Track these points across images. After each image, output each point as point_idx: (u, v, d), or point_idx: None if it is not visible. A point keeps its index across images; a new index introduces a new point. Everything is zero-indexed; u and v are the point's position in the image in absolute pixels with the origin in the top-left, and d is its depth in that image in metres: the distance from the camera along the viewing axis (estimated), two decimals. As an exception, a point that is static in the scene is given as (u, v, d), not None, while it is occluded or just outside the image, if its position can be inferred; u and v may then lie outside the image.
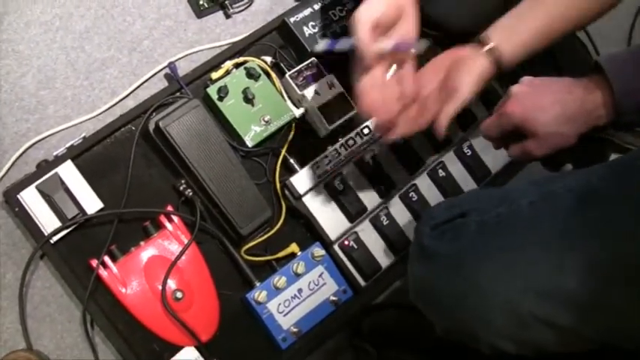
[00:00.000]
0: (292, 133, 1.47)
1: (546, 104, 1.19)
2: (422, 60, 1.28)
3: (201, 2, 1.56)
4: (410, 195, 1.51)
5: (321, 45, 1.23)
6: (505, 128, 1.25)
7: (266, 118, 1.42)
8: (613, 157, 1.22)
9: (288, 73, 1.46)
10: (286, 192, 1.43)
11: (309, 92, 1.45)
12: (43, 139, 1.39)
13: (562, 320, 0.99)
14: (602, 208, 1.00)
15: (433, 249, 1.13)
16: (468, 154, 1.59)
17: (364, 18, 1.13)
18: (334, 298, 1.44)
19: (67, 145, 1.33)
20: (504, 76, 1.29)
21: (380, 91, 1.19)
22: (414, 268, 1.19)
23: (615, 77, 1.14)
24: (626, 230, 0.96)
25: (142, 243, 1.34)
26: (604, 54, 1.18)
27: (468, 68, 1.24)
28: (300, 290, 1.41)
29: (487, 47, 1.24)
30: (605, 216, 0.99)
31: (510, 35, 1.26)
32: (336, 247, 1.45)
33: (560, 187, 1.07)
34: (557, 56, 1.63)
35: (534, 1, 1.28)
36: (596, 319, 0.99)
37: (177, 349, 1.34)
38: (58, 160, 1.31)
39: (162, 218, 1.36)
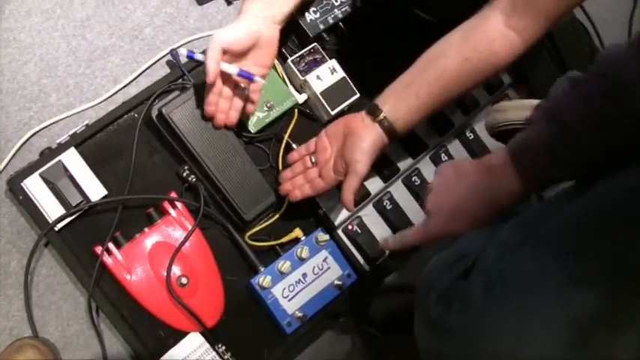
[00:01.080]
0: (295, 118, 1.47)
1: (456, 218, 1.18)
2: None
3: (202, -11, 1.56)
4: (413, 179, 1.51)
5: (182, 51, 1.31)
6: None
7: (268, 104, 1.43)
8: None
9: (290, 59, 1.46)
10: (289, 177, 1.42)
11: (312, 77, 1.45)
12: (45, 127, 1.39)
13: None
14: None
15: (442, 323, 1.08)
16: (471, 137, 1.60)
17: (217, 39, 1.25)
18: (339, 283, 1.44)
19: (70, 132, 1.34)
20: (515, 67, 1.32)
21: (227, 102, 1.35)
22: (425, 342, 1.15)
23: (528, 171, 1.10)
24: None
25: (146, 229, 1.34)
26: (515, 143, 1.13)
27: (362, 142, 1.29)
28: (304, 275, 1.41)
29: (378, 118, 1.29)
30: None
31: (400, 103, 1.29)
32: (339, 231, 1.45)
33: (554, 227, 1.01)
34: (559, 46, 1.63)
35: (424, 66, 1.29)
36: None
37: (182, 335, 1.34)
38: (62, 147, 1.32)
39: (166, 204, 1.36)
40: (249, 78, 1.29)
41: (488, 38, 1.23)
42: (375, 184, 1.47)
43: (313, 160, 1.36)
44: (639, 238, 0.89)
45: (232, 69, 1.28)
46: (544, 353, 0.95)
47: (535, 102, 1.22)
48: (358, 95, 1.48)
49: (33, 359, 1.26)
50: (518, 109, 1.25)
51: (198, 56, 1.29)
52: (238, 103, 1.36)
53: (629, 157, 0.94)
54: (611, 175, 0.95)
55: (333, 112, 1.45)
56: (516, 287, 0.99)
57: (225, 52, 1.26)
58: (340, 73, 1.48)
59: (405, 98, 1.28)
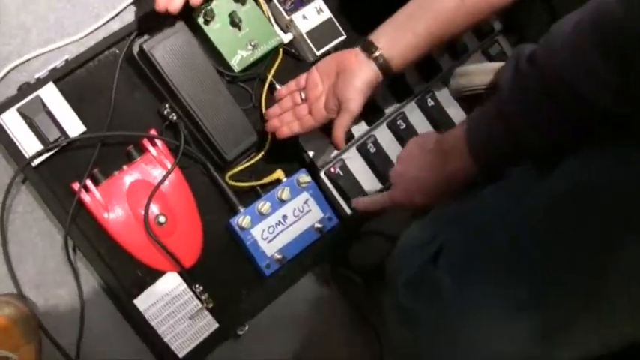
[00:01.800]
0: (280, 58, 1.44)
1: (415, 189, 1.20)
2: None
3: None
4: (398, 123, 1.49)
5: None
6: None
7: (253, 43, 1.40)
8: None
9: (275, -4, 1.43)
10: (272, 118, 1.40)
11: (297, 17, 1.42)
12: (25, 62, 1.36)
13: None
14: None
15: (412, 310, 1.06)
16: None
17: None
18: (319, 226, 1.43)
19: (50, 67, 1.31)
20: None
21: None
22: (396, 332, 1.14)
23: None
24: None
25: (124, 167, 1.32)
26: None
27: (356, 79, 1.27)
28: (284, 217, 1.40)
29: (374, 55, 1.27)
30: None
31: (397, 40, 1.27)
32: (322, 174, 1.43)
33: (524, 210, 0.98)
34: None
35: (421, 3, 1.27)
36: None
37: (159, 274, 1.33)
38: (40, 82, 1.29)
39: (146, 142, 1.34)
40: None
41: None
42: (359, 127, 1.45)
43: (303, 96, 1.34)
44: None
45: None
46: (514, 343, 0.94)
47: (499, 65, 1.17)
48: (344, 37, 1.45)
49: (8, 314, 1.26)
50: (482, 73, 1.20)
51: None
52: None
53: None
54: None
55: (318, 53, 1.43)
56: (487, 275, 0.97)
57: None
58: (327, 14, 1.45)
59: (401, 36, 1.27)
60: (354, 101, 1.26)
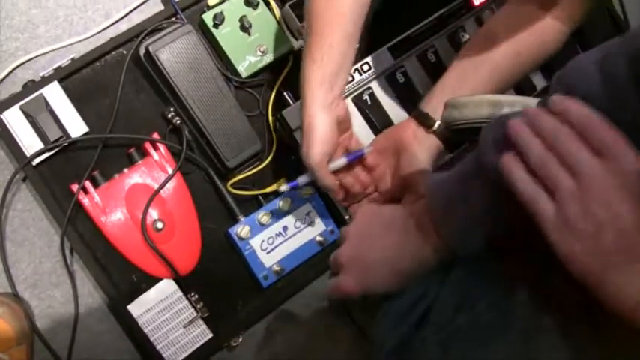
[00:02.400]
0: (289, 65, 1.42)
1: (374, 276, 1.04)
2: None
3: None
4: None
5: (283, 188, 1.27)
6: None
7: (262, 49, 1.37)
8: None
9: (288, 3, 1.40)
10: (278, 125, 1.37)
11: (309, 24, 1.39)
12: (32, 59, 1.36)
13: None
14: None
15: None
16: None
17: (314, 161, 1.17)
18: (320, 239, 1.39)
19: (55, 66, 1.30)
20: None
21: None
22: None
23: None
24: None
25: (125, 170, 1.30)
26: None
27: (420, 162, 1.25)
28: (285, 228, 1.37)
29: (433, 128, 1.25)
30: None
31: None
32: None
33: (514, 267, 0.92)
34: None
35: (472, 63, 1.25)
36: None
37: (155, 280, 1.31)
38: (44, 80, 1.28)
39: (148, 146, 1.32)
40: (360, 156, 1.26)
41: (536, 33, 1.21)
42: (368, 139, 1.40)
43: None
44: None
45: (341, 162, 1.24)
46: None
47: (495, 98, 1.10)
48: (357, 46, 1.41)
49: (2, 314, 1.24)
50: (476, 105, 1.12)
51: (304, 179, 1.25)
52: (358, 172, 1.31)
53: None
54: None
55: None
56: (475, 346, 0.91)
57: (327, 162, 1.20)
58: (339, 21, 1.41)
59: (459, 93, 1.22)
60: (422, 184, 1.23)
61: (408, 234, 1.01)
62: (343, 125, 1.23)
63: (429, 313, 0.96)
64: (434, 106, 1.26)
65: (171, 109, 1.32)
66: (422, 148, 1.27)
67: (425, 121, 1.26)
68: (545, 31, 1.21)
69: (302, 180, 1.24)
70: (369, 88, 1.41)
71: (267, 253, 1.35)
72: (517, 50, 1.23)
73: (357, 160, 1.26)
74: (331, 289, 1.08)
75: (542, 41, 1.22)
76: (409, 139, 1.28)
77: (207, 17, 1.35)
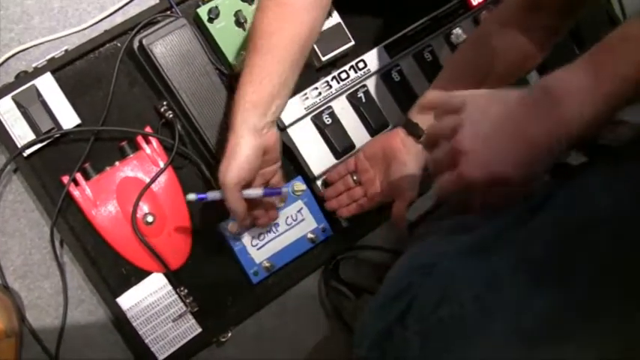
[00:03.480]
0: (283, 60, 1.40)
1: (506, 149, 0.87)
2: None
3: None
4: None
5: (191, 197, 1.21)
6: (472, 191, 0.93)
7: (257, 44, 1.36)
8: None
9: (284, -2, 1.39)
10: (271, 122, 1.36)
11: (305, 20, 1.38)
12: (25, 49, 1.35)
13: None
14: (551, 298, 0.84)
15: None
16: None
17: (231, 182, 1.14)
18: (312, 236, 1.39)
19: (48, 57, 1.29)
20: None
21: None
22: None
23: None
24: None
25: (117, 163, 1.30)
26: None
27: (409, 169, 1.26)
28: (276, 224, 1.37)
29: (421, 140, 1.24)
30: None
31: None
32: (319, 182, 1.40)
33: (501, 264, 0.88)
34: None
35: (460, 74, 1.26)
36: None
37: (145, 274, 1.31)
38: (37, 71, 1.27)
39: (140, 139, 1.31)
40: (277, 193, 1.26)
41: (519, 53, 1.20)
42: (360, 137, 1.40)
43: (355, 178, 1.36)
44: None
45: (256, 192, 1.21)
46: None
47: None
48: (353, 43, 1.41)
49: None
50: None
51: (213, 195, 1.21)
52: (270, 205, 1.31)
53: None
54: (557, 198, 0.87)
55: (324, 58, 1.39)
56: (456, 337, 0.90)
57: (240, 186, 1.17)
58: (336, 18, 1.40)
59: None
60: (411, 191, 1.27)
61: (546, 102, 0.86)
62: (270, 155, 1.21)
63: (413, 304, 0.94)
64: (420, 116, 1.26)
65: (164, 102, 1.32)
66: (411, 156, 1.27)
67: (413, 131, 1.26)
68: (530, 52, 1.19)
69: (211, 195, 1.21)
70: (364, 85, 1.40)
71: (258, 249, 1.35)
72: (500, 73, 1.22)
73: (272, 195, 1.25)
74: (447, 182, 0.91)
75: (525, 59, 1.22)
76: (398, 147, 1.28)
77: (202, 11, 1.34)
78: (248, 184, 1.19)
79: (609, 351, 0.82)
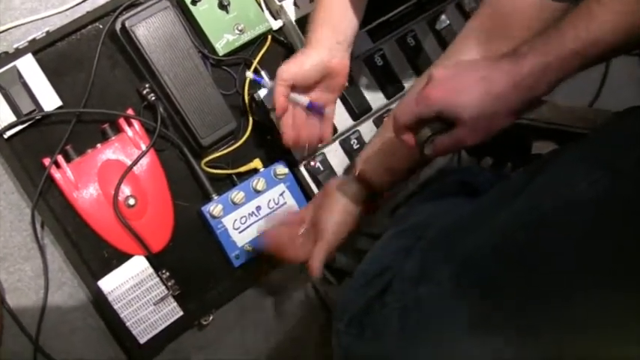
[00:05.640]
0: (267, 44, 1.41)
1: (469, 84, 0.93)
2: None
3: None
4: (384, 117, 1.44)
5: (249, 74, 1.34)
6: (424, 116, 0.97)
7: (240, 27, 1.36)
8: (536, 144, 1.04)
9: (268, -18, 1.39)
10: (254, 105, 1.36)
11: (288, 4, 1.38)
12: (6, 30, 1.33)
13: None
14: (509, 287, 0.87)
15: (356, 352, 1.00)
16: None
17: (285, 74, 1.21)
18: (294, 220, 1.39)
19: (29, 38, 1.28)
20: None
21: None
22: None
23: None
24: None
25: (98, 145, 1.29)
26: None
27: (332, 203, 1.24)
28: (258, 208, 1.36)
29: (353, 174, 1.24)
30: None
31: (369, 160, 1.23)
32: (301, 166, 1.40)
33: (477, 244, 0.91)
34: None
35: None
36: None
37: (127, 257, 1.30)
38: (18, 52, 1.26)
39: (122, 122, 1.31)
40: (319, 111, 1.28)
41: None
42: (343, 122, 1.41)
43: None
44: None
45: (302, 99, 1.26)
46: None
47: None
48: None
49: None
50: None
51: (266, 83, 1.33)
52: (311, 131, 1.32)
53: None
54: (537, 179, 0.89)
55: (307, 42, 1.38)
56: (433, 317, 0.92)
57: (293, 86, 1.23)
58: (319, 2, 1.40)
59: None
60: (329, 229, 1.23)
61: (512, 56, 0.92)
62: (333, 81, 1.26)
63: (393, 282, 0.96)
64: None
65: (147, 85, 1.31)
66: (338, 195, 1.25)
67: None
68: None
69: (266, 82, 1.34)
70: (347, 70, 1.40)
71: (240, 232, 1.35)
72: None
73: (314, 110, 1.28)
74: (410, 101, 0.98)
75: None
76: (331, 188, 1.27)
77: (186, -7, 1.33)
78: (296, 88, 1.25)
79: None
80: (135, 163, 1.28)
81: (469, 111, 0.92)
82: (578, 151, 0.90)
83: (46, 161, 1.25)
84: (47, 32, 1.29)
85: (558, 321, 0.83)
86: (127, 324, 1.29)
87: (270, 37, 1.41)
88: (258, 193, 1.36)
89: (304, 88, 1.26)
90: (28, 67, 1.26)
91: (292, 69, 1.21)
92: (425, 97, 0.95)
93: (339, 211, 1.23)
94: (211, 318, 1.37)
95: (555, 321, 0.83)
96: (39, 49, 1.28)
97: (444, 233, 0.97)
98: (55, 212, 1.27)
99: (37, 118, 1.26)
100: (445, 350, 0.91)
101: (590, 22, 0.86)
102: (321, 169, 1.39)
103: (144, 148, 1.30)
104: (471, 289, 0.89)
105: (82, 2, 1.38)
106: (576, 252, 0.81)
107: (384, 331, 0.95)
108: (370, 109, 1.42)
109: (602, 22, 0.85)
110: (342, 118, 1.40)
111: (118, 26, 1.28)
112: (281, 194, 1.38)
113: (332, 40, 1.23)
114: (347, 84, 1.30)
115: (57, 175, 1.25)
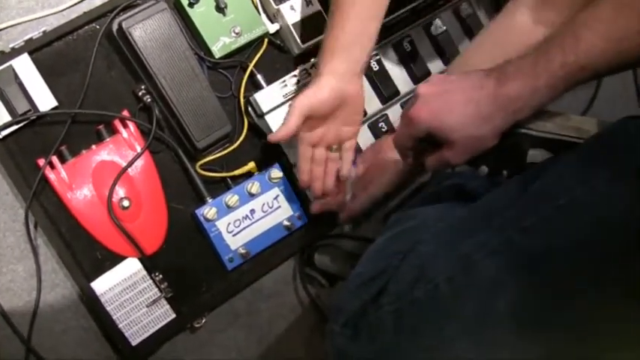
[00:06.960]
0: (263, 48, 1.40)
1: (456, 105, 0.97)
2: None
3: None
4: (379, 125, 1.45)
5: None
6: (415, 136, 1.03)
7: (237, 30, 1.36)
8: (531, 152, 1.05)
9: (265, -15, 1.39)
10: (249, 108, 1.37)
11: (285, 7, 1.38)
12: (2, 29, 1.33)
13: None
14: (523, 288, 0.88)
15: (350, 354, 0.99)
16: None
17: (301, 104, 1.20)
18: (288, 223, 1.39)
19: (26, 38, 1.28)
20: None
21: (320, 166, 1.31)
22: None
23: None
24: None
25: (93, 146, 1.29)
26: None
27: (383, 163, 1.28)
28: (252, 211, 1.36)
29: None
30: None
31: None
32: (296, 170, 1.39)
33: (477, 247, 0.91)
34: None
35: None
36: None
37: (120, 259, 1.30)
38: (14, 52, 1.26)
39: (118, 123, 1.30)
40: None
41: (518, 40, 1.16)
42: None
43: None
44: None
45: (353, 171, 1.31)
46: None
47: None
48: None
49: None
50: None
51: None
52: (332, 166, 1.32)
53: None
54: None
55: (303, 46, 1.38)
56: (428, 320, 0.92)
57: (309, 117, 1.22)
58: (316, 6, 1.40)
59: None
60: (377, 189, 1.30)
61: (494, 76, 0.96)
62: (350, 109, 1.26)
63: (389, 284, 0.96)
64: None
65: (142, 86, 1.31)
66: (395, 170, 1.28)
67: None
68: (528, 40, 1.17)
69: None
70: (343, 74, 1.40)
71: (234, 235, 1.35)
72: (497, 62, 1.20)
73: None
74: (404, 115, 1.04)
75: (522, 50, 1.20)
76: (389, 158, 1.29)
77: (184, -5, 1.33)
78: (315, 125, 1.26)
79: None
80: (129, 164, 1.28)
81: (458, 134, 0.97)
82: (573, 160, 0.91)
83: (41, 162, 1.25)
84: (44, 32, 1.28)
85: (559, 322, 0.83)
86: (120, 326, 1.29)
87: (266, 40, 1.40)
88: (252, 196, 1.36)
89: (319, 119, 1.25)
90: (24, 67, 1.25)
91: (307, 100, 1.20)
92: (411, 117, 1.01)
93: (390, 171, 1.27)
94: (204, 321, 1.37)
95: (555, 322, 0.84)
96: (35, 48, 1.27)
97: (439, 237, 0.98)
98: (48, 213, 1.27)
99: (33, 118, 1.25)
100: (440, 353, 0.91)
101: (577, 46, 0.89)
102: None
103: (139, 149, 1.30)
104: (467, 291, 0.89)
105: (79, 2, 1.38)
106: (573, 254, 0.82)
107: (378, 334, 0.95)
108: (365, 113, 1.42)
109: (591, 47, 0.88)
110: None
111: (114, 27, 1.28)
112: (275, 198, 1.38)
113: (345, 68, 1.21)
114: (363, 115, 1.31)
115: (51, 175, 1.25)
